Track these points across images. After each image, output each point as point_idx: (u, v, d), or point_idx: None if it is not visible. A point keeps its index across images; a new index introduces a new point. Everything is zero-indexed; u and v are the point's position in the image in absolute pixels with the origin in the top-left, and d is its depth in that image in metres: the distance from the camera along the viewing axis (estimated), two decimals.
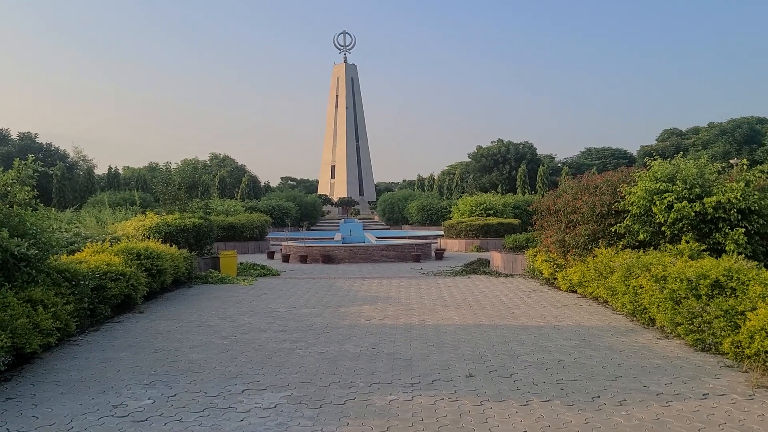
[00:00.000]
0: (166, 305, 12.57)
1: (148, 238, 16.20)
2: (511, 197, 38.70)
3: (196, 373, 7.17)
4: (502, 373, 7.10)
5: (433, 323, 10.33)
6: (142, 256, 12.80)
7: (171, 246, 15.39)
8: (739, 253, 10.16)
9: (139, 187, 52.00)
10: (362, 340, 8.94)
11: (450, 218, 34.42)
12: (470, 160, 78.33)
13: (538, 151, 75.29)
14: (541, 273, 15.55)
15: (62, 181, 52.50)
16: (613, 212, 12.55)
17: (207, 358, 7.95)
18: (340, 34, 73.09)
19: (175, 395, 6.31)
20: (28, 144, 63.88)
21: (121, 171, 67.87)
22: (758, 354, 6.81)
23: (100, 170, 67.17)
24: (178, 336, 9.40)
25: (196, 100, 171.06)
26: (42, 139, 67.15)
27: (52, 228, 10.35)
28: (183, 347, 8.59)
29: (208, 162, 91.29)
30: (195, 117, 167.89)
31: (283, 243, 26.03)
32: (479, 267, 19.62)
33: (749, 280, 7.76)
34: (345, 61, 72.54)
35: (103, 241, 14.15)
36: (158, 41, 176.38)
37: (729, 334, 7.35)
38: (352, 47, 74.13)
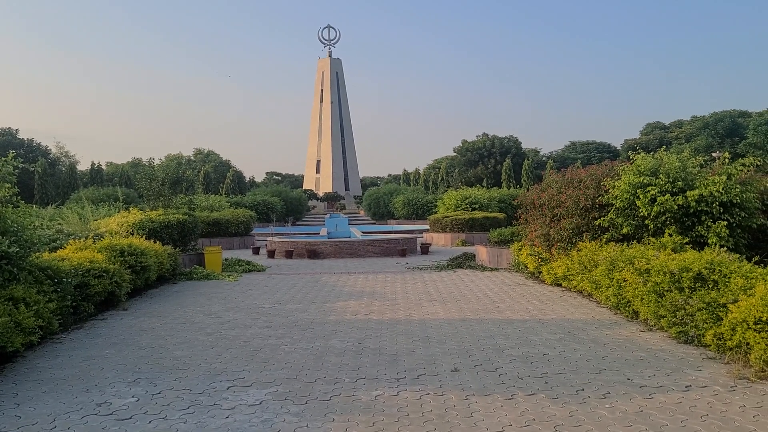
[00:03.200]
0: (151, 302, 12.48)
1: (132, 234, 16.05)
2: (497, 191, 38.82)
3: (180, 371, 7.12)
4: (487, 367, 7.14)
5: (418, 318, 10.35)
6: (125, 253, 12.68)
7: (155, 242, 15.26)
8: (722, 246, 10.26)
9: (123, 183, 51.59)
10: (348, 336, 8.94)
11: (435, 212, 34.46)
12: (455, 154, 78.53)
13: (523, 145, 75.74)
14: (526, 267, 15.62)
15: (44, 178, 51.89)
16: (597, 206, 12.63)
17: (192, 355, 7.90)
18: (325, 28, 72.72)
19: (159, 393, 6.27)
20: (8, 140, 63.06)
21: (104, 167, 67.24)
22: (739, 346, 6.91)
23: (83, 166, 66.63)
24: (162, 333, 9.33)
25: (179, 95, 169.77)
26: (23, 135, 66.51)
27: (34, 225, 10.23)
28: (167, 344, 8.53)
29: (192, 157, 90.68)
30: (178, 112, 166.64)
31: (268, 238, 25.93)
32: (465, 261, 19.68)
33: (731, 273, 7.85)
34: (330, 56, 72.20)
35: (86, 238, 13.99)
36: (140, 37, 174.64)
37: (711, 327, 7.44)
38: (337, 41, 73.83)
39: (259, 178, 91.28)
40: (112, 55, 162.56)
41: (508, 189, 46.44)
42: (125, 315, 10.94)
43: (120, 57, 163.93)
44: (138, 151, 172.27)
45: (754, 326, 6.56)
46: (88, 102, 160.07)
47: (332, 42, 72.59)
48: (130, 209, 18.94)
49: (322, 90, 71.78)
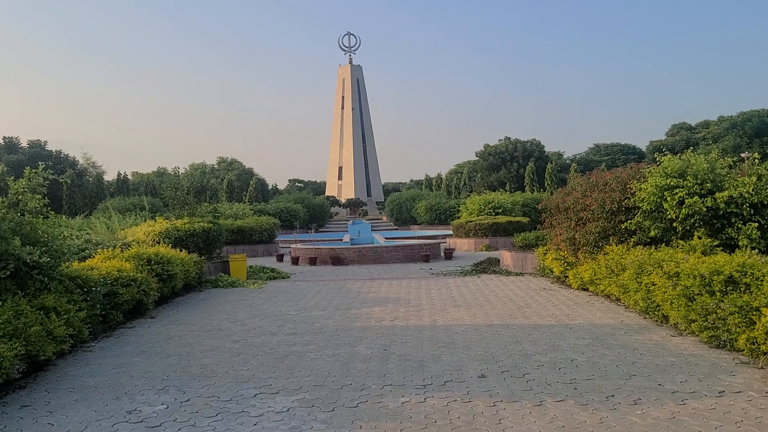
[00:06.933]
0: (177, 310, 12.61)
1: (158, 243, 16.25)
2: (520, 195, 38.55)
3: (208, 378, 7.18)
4: (514, 373, 7.07)
5: (443, 324, 10.30)
6: (152, 262, 12.85)
7: (181, 251, 15.43)
8: (753, 248, 10.06)
9: (148, 193, 52.30)
10: (373, 342, 8.93)
11: (458, 217, 34.36)
12: (477, 158, 78.19)
13: (546, 149, 75.07)
14: (552, 271, 15.48)
15: (72, 188, 52.91)
16: (624, 209, 12.47)
17: (219, 362, 7.96)
18: (345, 35, 73.28)
19: (188, 400, 6.32)
20: (37, 152, 64.41)
21: (130, 177, 68.35)
22: None
23: (110, 176, 67.75)
24: (189, 341, 9.42)
25: (202, 104, 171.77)
26: (51, 147, 67.87)
27: (63, 235, 10.41)
28: (195, 352, 8.61)
29: (215, 166, 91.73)
30: (202, 121, 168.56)
31: (292, 245, 26.07)
32: (489, 266, 19.57)
33: (764, 276, 7.67)
34: (350, 63, 72.60)
35: (114, 247, 14.20)
36: (165, 46, 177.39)
37: (744, 331, 7.27)
38: (357, 48, 74.18)
39: (282, 186, 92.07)
40: (138, 65, 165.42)
41: (532, 193, 46.07)
42: (153, 323, 11.07)
43: (146, 66, 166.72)
44: (163, 160, 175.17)
45: None
46: (115, 112, 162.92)
47: (352, 49, 73.05)
48: (156, 218, 19.20)
49: (343, 97, 72.16)
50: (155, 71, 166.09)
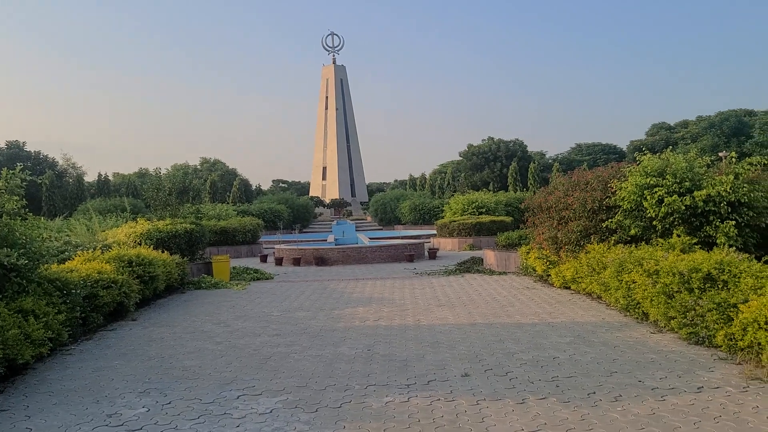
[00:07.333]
0: (159, 312, 12.50)
1: (140, 244, 16.11)
2: (503, 195, 38.75)
3: (190, 380, 7.13)
4: (497, 371, 7.11)
5: (427, 323, 10.33)
6: (133, 263, 12.73)
7: (163, 252, 15.32)
8: (730, 246, 10.21)
9: (130, 194, 51.77)
10: (357, 342, 8.93)
11: (442, 217, 34.45)
12: (461, 158, 78.44)
13: (529, 148, 75.56)
14: (535, 270, 15.58)
15: (51, 190, 52.23)
16: (605, 208, 12.59)
17: (201, 364, 7.91)
18: (328, 35, 73.03)
19: (169, 403, 6.27)
20: (16, 152, 63.50)
21: (111, 178, 67.62)
22: (751, 346, 6.85)
23: (90, 177, 66.71)
24: (171, 343, 9.35)
25: (185, 104, 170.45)
26: (30, 147, 66.85)
27: (42, 237, 10.28)
28: (177, 354, 8.55)
29: (198, 166, 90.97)
30: (184, 122, 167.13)
31: (275, 246, 25.96)
32: (473, 265, 19.64)
33: (741, 273, 7.80)
34: (334, 63, 72.45)
35: (94, 249, 14.06)
36: (146, 47, 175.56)
37: (722, 327, 7.38)
38: (341, 48, 73.95)
39: (266, 186, 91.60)
40: (119, 65, 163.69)
41: (515, 192, 46.35)
42: (134, 325, 10.97)
43: (127, 67, 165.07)
44: (145, 161, 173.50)
45: (765, 326, 6.50)
46: (95, 113, 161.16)
47: (336, 49, 72.89)
48: (138, 219, 19.02)
49: (327, 97, 72.01)
50: (137, 72, 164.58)
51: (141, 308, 12.75)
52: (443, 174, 72.89)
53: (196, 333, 10.09)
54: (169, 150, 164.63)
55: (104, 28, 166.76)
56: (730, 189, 10.92)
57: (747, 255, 8.95)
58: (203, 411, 5.98)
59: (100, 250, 13.77)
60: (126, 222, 20.52)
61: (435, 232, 32.91)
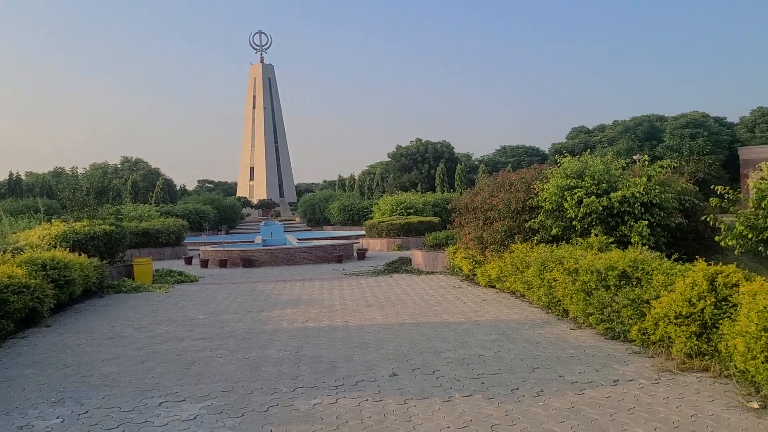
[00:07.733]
0: (76, 317, 11.93)
1: (55, 247, 15.32)
2: (431, 196, 39.32)
3: (109, 388, 6.84)
4: (425, 370, 7.20)
5: (356, 324, 10.33)
6: (48, 267, 12.10)
7: (80, 255, 14.64)
8: (644, 245, 10.73)
9: (44, 194, 49.28)
10: (285, 345, 8.82)
11: (371, 218, 34.58)
12: (390, 159, 78.90)
13: (456, 150, 76.84)
14: (461, 269, 15.87)
15: None
16: (528, 208, 12.98)
17: (121, 371, 7.60)
18: (256, 33, 71.55)
19: (86, 412, 5.99)
20: None
21: (23, 177, 64.00)
22: (662, 340, 7.25)
23: (0, 176, 63.02)
24: (88, 349, 8.94)
25: (105, 102, 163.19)
26: None
27: None
28: (95, 361, 8.18)
29: (119, 166, 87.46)
30: (104, 119, 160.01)
31: (201, 248, 25.34)
32: (401, 266, 19.82)
33: (653, 270, 8.22)
34: (261, 61, 71.22)
35: (4, 252, 13.26)
36: (56, 39, 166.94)
37: (636, 322, 7.76)
38: (269, 47, 72.86)
39: (191, 187, 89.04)
40: (29, 59, 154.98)
41: (442, 193, 47.08)
42: (48, 332, 10.42)
43: (39, 61, 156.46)
44: (60, 159, 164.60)
45: (674, 320, 6.89)
46: (7, 108, 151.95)
47: (264, 47, 71.64)
48: (53, 221, 18.11)
49: (254, 96, 70.72)
50: (55, 68, 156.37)
51: (56, 314, 12.12)
52: (372, 175, 73.23)
53: (115, 339, 9.69)
54: (88, 149, 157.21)
55: (18, 21, 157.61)
56: (644, 190, 11.50)
57: (659, 253, 9.44)
58: (123, 419, 5.75)
59: (10, 254, 13.01)
60: (40, 224, 19.47)
61: (364, 232, 32.99)
